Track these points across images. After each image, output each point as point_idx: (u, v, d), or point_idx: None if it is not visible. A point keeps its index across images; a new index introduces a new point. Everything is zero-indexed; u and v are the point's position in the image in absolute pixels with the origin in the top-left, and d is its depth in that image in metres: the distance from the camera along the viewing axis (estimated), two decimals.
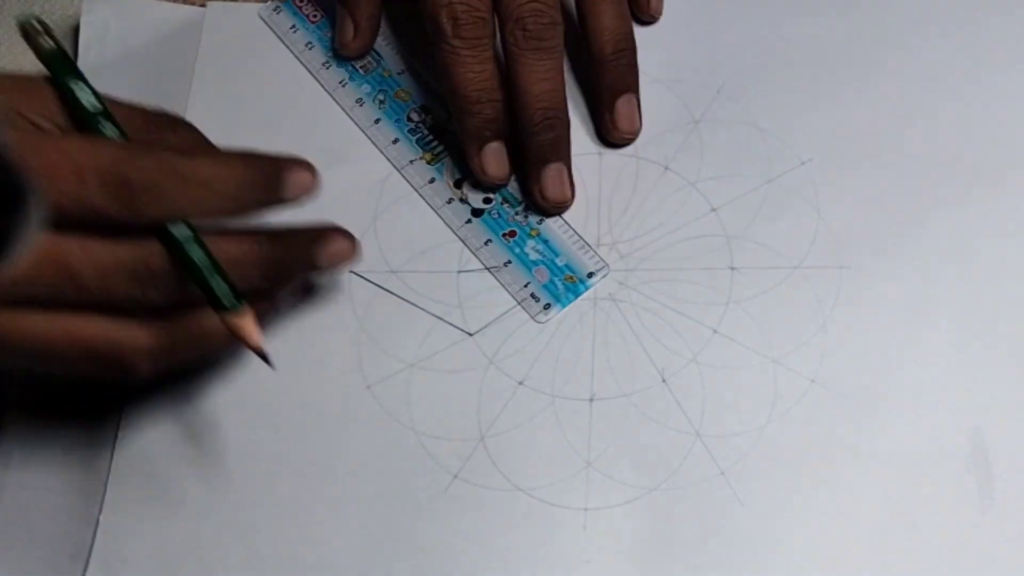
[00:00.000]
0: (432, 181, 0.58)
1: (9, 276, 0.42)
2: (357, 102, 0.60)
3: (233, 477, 0.53)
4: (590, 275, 0.56)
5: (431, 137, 0.59)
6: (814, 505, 0.51)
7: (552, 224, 0.57)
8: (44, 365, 0.47)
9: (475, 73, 0.55)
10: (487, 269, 0.56)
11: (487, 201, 0.58)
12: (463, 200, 0.58)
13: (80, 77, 0.50)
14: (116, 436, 0.54)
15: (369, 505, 0.52)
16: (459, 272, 0.57)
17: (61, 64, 0.50)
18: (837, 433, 0.52)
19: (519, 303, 0.55)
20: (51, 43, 0.51)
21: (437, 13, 0.55)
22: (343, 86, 0.61)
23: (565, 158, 0.57)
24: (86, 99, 0.49)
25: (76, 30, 0.63)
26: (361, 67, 0.61)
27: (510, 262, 0.56)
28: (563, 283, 0.56)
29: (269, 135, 0.60)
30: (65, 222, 0.44)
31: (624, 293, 0.56)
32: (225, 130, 0.60)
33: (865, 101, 0.58)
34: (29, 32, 0.51)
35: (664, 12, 0.61)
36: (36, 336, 0.46)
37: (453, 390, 0.54)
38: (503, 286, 0.56)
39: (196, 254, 0.47)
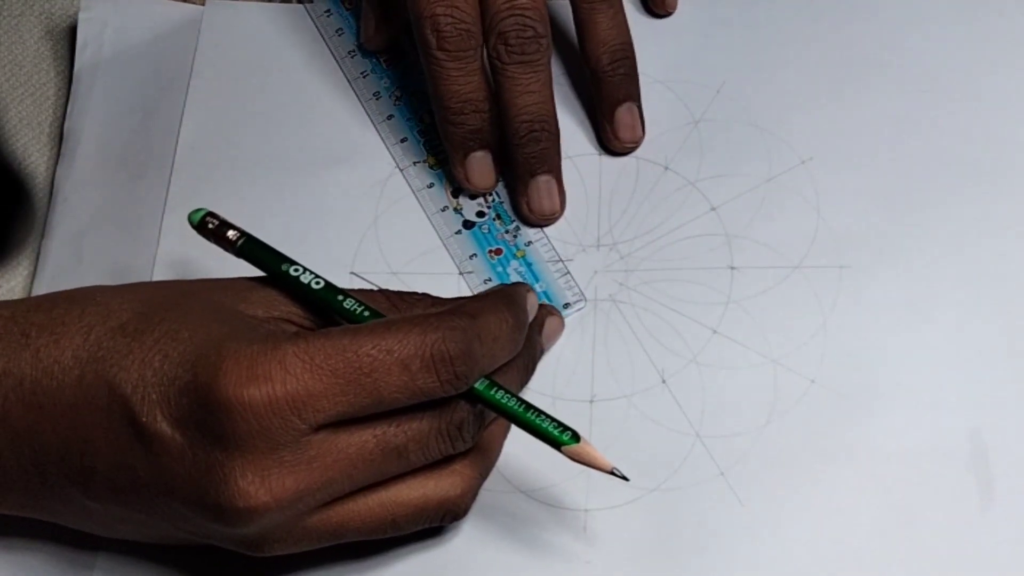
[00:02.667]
0: (431, 186, 0.58)
1: (347, 464, 0.46)
2: (374, 95, 0.60)
3: None
4: (566, 306, 0.55)
5: (439, 141, 0.58)
6: (814, 505, 0.51)
7: (540, 248, 0.57)
8: (379, 535, 0.49)
9: (460, 85, 0.55)
10: (466, 282, 0.56)
11: (480, 215, 0.58)
12: (457, 210, 0.58)
13: (285, 259, 0.49)
14: None
15: None
16: (460, 274, 0.57)
17: (265, 253, 0.50)
18: (837, 433, 0.52)
19: None
20: (239, 234, 0.50)
21: (422, 25, 0.55)
22: (364, 77, 0.61)
23: (553, 170, 0.57)
24: (309, 279, 0.49)
25: (74, 29, 0.63)
26: (385, 61, 0.61)
27: (490, 280, 0.56)
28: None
29: (267, 134, 0.60)
30: (393, 410, 0.46)
31: (624, 294, 0.56)
32: (223, 128, 0.61)
33: (865, 101, 0.58)
34: (211, 230, 0.51)
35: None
36: (370, 517, 0.48)
37: None
38: None
39: (511, 403, 0.48)
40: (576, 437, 0.47)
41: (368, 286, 0.56)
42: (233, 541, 0.47)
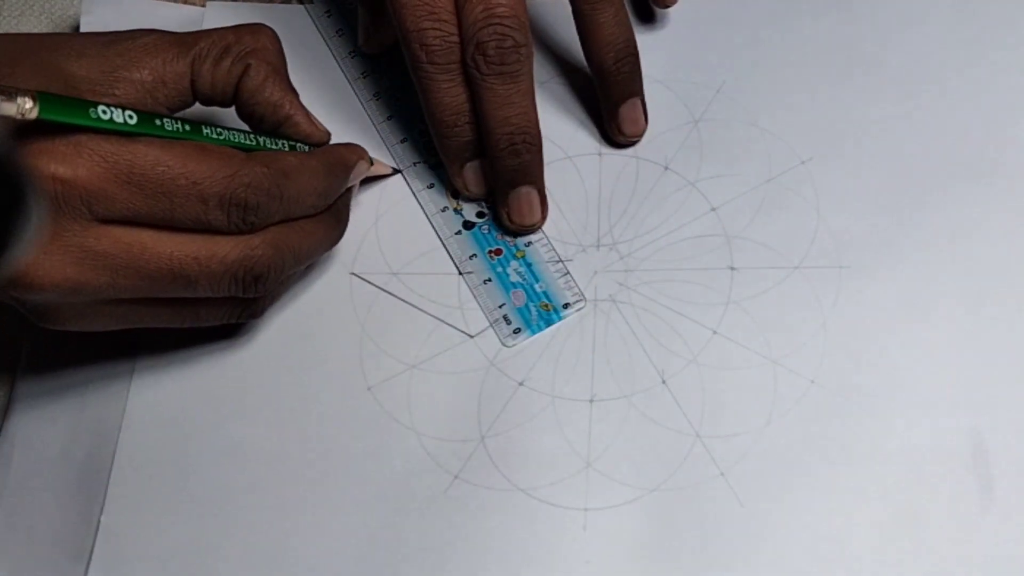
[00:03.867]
0: (431, 186, 0.58)
1: (131, 287, 0.48)
2: (375, 95, 0.61)
3: (233, 477, 0.53)
4: (566, 306, 0.56)
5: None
6: (814, 505, 0.51)
7: (540, 248, 0.57)
8: (178, 318, 0.51)
9: (451, 97, 0.55)
10: (466, 282, 0.56)
11: (480, 216, 0.58)
12: (457, 211, 0.58)
13: (91, 103, 0.47)
14: (117, 436, 0.54)
15: (370, 505, 0.53)
16: (460, 274, 0.57)
17: (62, 103, 0.46)
18: (837, 433, 0.52)
19: (491, 324, 0.55)
20: (27, 95, 0.45)
21: (409, 39, 0.54)
22: (364, 77, 0.61)
23: (535, 181, 0.56)
24: (122, 118, 0.48)
25: (75, 29, 0.63)
26: (385, 62, 0.61)
27: (490, 280, 0.56)
28: (538, 310, 0.56)
29: None
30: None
31: (624, 294, 0.56)
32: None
33: (865, 101, 0.58)
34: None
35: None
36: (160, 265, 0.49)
37: (454, 391, 0.54)
38: (478, 304, 0.56)
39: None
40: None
41: (368, 287, 0.56)
42: (19, 304, 0.49)
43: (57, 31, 0.64)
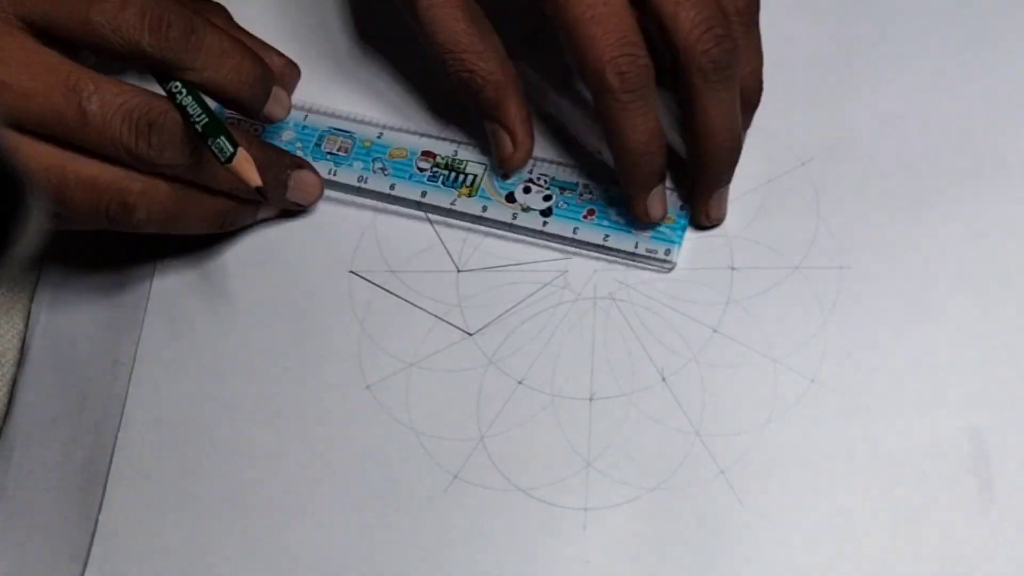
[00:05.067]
0: (485, 209, 0.57)
1: (20, 90, 0.48)
2: (360, 180, 0.58)
3: (233, 477, 0.53)
4: (681, 207, 0.56)
5: (455, 175, 0.58)
6: (814, 505, 0.51)
7: (615, 192, 0.56)
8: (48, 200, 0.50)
9: (644, 124, 0.53)
10: (594, 252, 0.56)
11: (547, 199, 0.57)
12: (527, 209, 0.57)
13: None
14: (116, 436, 0.54)
15: (369, 505, 0.52)
16: (459, 272, 0.57)
17: None
18: (837, 433, 0.52)
19: (641, 263, 0.55)
20: None
21: (602, 71, 0.52)
22: (333, 175, 0.58)
23: (731, 179, 0.56)
24: None
25: None
26: (339, 149, 0.59)
27: (608, 236, 0.56)
28: (664, 226, 0.56)
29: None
30: (86, 48, 0.50)
31: (624, 292, 0.56)
32: None
33: (865, 101, 0.58)
34: None
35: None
36: (43, 165, 0.49)
37: (453, 390, 0.54)
38: (616, 258, 0.56)
39: (198, 102, 0.51)
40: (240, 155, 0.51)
41: (367, 285, 0.56)
42: None
43: None
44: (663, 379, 0.54)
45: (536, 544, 0.51)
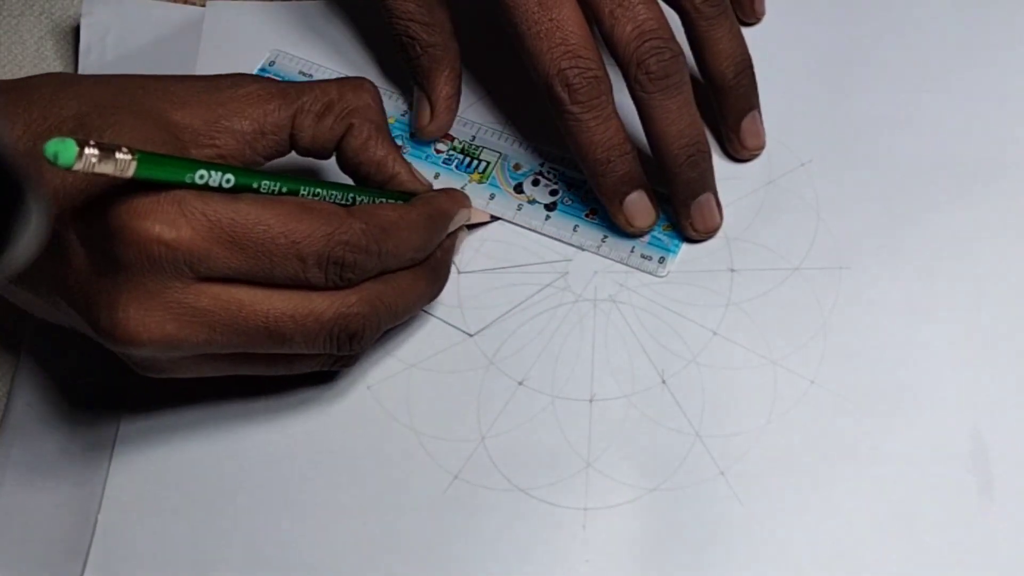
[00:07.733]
0: (493, 197, 0.58)
1: (230, 323, 0.48)
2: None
3: (233, 477, 0.53)
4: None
5: (468, 160, 0.58)
6: (813, 505, 0.51)
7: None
8: (273, 369, 0.52)
9: (600, 134, 0.54)
10: (591, 250, 0.56)
11: (554, 193, 0.57)
12: (532, 201, 0.57)
13: (188, 167, 0.46)
14: (116, 436, 0.54)
15: (369, 505, 0.52)
16: (460, 273, 0.57)
17: (160, 164, 0.46)
18: (837, 433, 0.52)
19: (636, 268, 0.56)
20: (127, 153, 0.44)
21: (551, 83, 0.53)
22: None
23: (711, 187, 0.55)
24: (219, 179, 0.47)
25: (76, 32, 0.63)
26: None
27: (606, 236, 0.56)
28: (664, 234, 0.56)
29: None
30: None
31: (624, 294, 0.56)
32: None
33: (865, 101, 0.58)
34: (91, 158, 0.43)
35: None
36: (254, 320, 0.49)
37: (453, 390, 0.54)
38: (612, 260, 0.56)
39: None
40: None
41: None
42: (123, 356, 0.49)
43: (57, 31, 0.64)
44: (663, 381, 0.54)
45: (536, 544, 0.51)
